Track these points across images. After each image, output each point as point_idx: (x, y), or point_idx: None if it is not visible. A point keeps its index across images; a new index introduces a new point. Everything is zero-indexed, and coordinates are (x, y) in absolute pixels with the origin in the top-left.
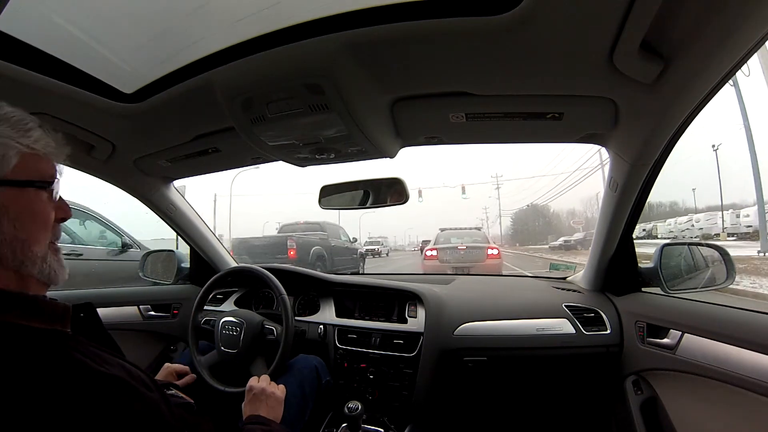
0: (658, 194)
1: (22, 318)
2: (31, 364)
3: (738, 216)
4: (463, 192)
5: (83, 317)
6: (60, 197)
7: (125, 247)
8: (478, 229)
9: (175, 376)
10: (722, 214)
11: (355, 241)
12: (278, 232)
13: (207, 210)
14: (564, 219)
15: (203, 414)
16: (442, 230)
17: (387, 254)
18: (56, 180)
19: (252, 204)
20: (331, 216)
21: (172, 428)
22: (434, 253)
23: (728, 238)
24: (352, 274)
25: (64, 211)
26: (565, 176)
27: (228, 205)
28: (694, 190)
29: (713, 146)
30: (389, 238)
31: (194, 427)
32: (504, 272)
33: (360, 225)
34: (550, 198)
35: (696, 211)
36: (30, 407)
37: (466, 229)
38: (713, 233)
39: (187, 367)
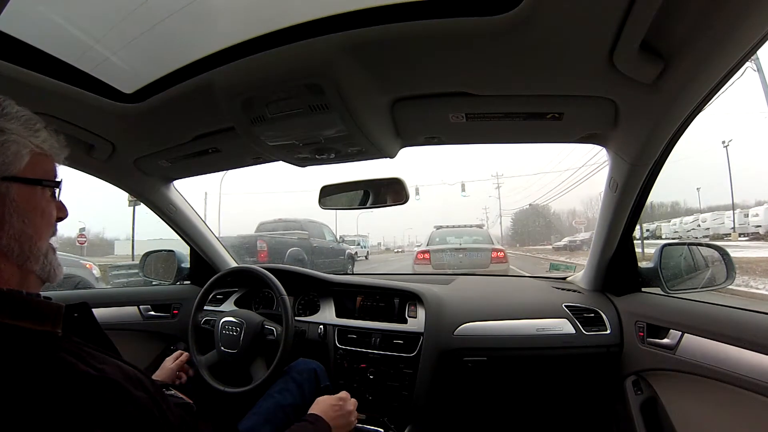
0: (659, 194)
1: (10, 317)
2: (15, 366)
3: (746, 215)
4: (463, 190)
5: (78, 317)
6: (59, 199)
7: None
8: (480, 226)
9: (174, 372)
10: (733, 214)
11: (342, 241)
12: (255, 230)
13: (197, 209)
14: (565, 219)
15: (203, 416)
16: (438, 228)
17: (366, 257)
18: (62, 180)
19: (246, 203)
20: (319, 214)
21: (168, 429)
22: (427, 253)
23: (740, 239)
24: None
25: (62, 211)
26: (570, 173)
27: (217, 203)
28: (698, 189)
29: (723, 142)
30: (369, 237)
31: (192, 428)
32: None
33: (357, 224)
34: (552, 198)
35: (700, 211)
36: (13, 409)
37: (465, 227)
38: (721, 233)
39: (186, 355)
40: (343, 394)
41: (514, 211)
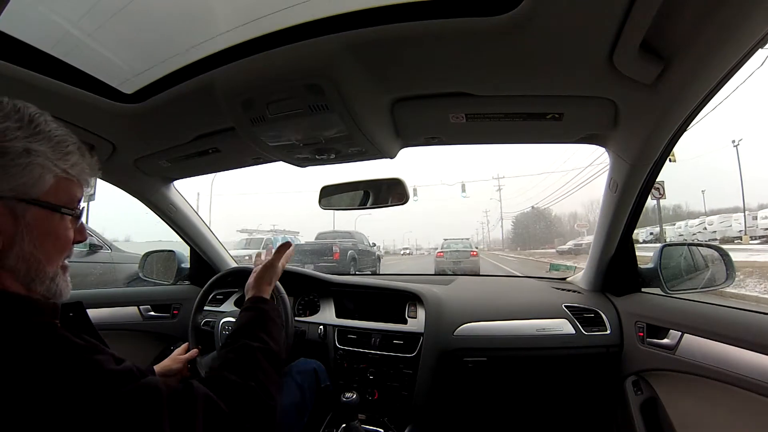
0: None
1: (13, 314)
2: (14, 345)
3: (755, 218)
4: (463, 190)
5: (73, 317)
6: (81, 221)
7: (93, 248)
8: (467, 239)
9: (185, 364)
10: (744, 216)
11: (375, 245)
12: (315, 239)
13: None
14: (566, 222)
15: None
16: (446, 239)
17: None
18: (83, 208)
19: (237, 204)
20: (316, 216)
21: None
22: (442, 253)
23: (751, 242)
24: (372, 273)
25: (81, 234)
26: (576, 172)
27: (208, 205)
28: (703, 192)
29: (733, 142)
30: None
31: None
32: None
33: (355, 226)
34: (554, 200)
35: (706, 213)
36: (13, 383)
37: (460, 239)
38: (730, 236)
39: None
40: (267, 261)
41: (515, 214)
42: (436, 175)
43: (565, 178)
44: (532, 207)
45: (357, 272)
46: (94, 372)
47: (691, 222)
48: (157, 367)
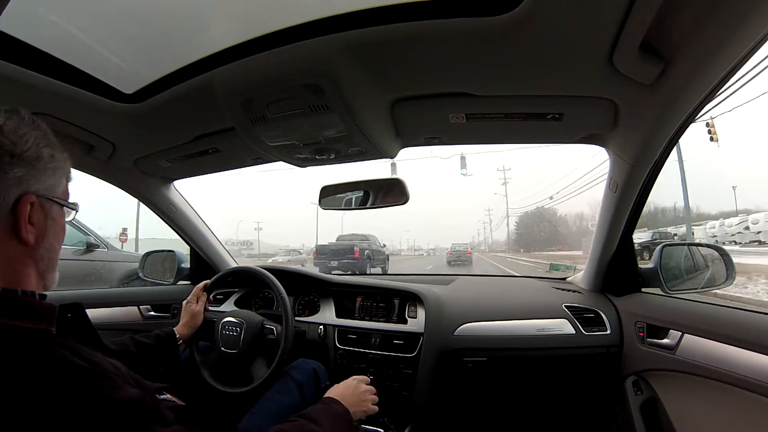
0: (669, 197)
1: (6, 317)
2: (10, 362)
3: None
4: (463, 166)
5: (71, 318)
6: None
7: (90, 247)
8: (466, 243)
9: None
10: None
11: (385, 246)
12: (336, 240)
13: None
14: (571, 223)
15: (196, 419)
16: (453, 243)
17: None
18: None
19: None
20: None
21: (162, 422)
22: (450, 251)
23: None
24: (383, 271)
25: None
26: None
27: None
28: (734, 188)
29: None
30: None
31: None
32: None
33: (342, 226)
34: (565, 196)
35: (737, 212)
36: (7, 402)
37: (461, 243)
38: None
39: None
40: (360, 377)
41: (521, 210)
42: (427, 149)
43: (575, 174)
44: (551, 197)
45: (371, 268)
46: (94, 405)
47: (728, 221)
48: (178, 328)
